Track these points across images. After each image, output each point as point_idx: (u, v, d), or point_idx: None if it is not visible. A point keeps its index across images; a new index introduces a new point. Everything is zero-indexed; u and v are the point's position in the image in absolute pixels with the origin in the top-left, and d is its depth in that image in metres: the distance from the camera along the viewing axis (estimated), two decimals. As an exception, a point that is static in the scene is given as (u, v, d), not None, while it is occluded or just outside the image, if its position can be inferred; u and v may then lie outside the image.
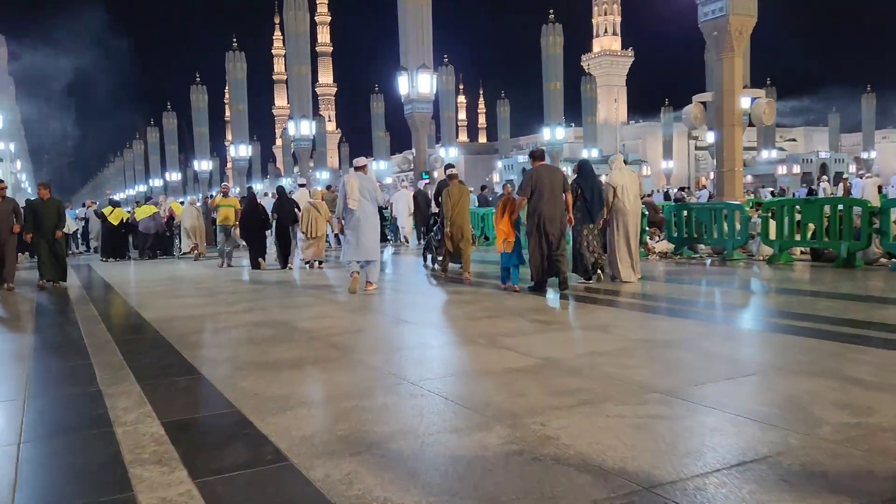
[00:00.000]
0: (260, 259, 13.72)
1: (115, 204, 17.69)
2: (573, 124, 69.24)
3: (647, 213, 14.07)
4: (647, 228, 14.04)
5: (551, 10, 47.86)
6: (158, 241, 18.15)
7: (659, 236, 14.80)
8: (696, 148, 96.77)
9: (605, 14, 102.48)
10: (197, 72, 57.53)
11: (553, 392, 4.12)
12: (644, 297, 8.28)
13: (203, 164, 57.41)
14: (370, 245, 8.81)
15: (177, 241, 18.87)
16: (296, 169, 40.74)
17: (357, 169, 9.14)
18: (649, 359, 4.98)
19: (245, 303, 8.68)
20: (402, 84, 28.43)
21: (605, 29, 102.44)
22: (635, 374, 4.49)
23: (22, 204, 11.94)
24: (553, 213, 7.99)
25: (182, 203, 20.76)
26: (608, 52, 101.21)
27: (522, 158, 57.69)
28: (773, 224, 12.03)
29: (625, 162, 9.72)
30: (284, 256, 13.65)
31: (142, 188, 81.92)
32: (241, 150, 48.11)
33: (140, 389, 4.51)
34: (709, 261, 12.56)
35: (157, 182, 76.00)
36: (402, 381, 4.52)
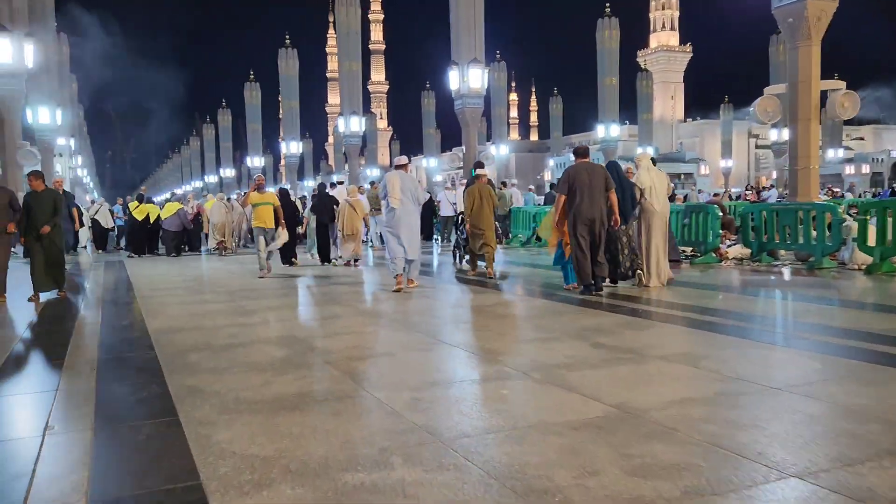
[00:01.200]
0: (293, 258, 13.42)
1: (141, 199, 16.88)
2: (627, 122, 67.03)
3: (719, 213, 12.60)
4: (720, 232, 12.57)
5: (607, 4, 46.10)
6: (186, 237, 17.69)
7: (731, 239, 13.30)
8: (757, 146, 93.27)
9: (663, 8, 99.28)
10: (251, 69, 57.67)
11: (639, 469, 2.90)
12: (726, 314, 6.91)
13: (255, 161, 57.58)
14: (412, 244, 8.66)
15: (203, 236, 18.65)
16: (346, 166, 40.05)
17: (398, 167, 9.03)
18: (766, 412, 3.67)
19: (265, 311, 7.67)
20: (453, 78, 27.29)
21: (663, 24, 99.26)
22: (753, 441, 3.22)
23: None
24: (592, 213, 7.64)
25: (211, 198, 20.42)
26: (665, 48, 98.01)
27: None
28: (872, 228, 10.44)
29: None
30: (324, 253, 13.47)
31: (198, 184, 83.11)
32: (292, 147, 47.86)
33: (91, 439, 3.47)
34: (789, 269, 11.00)
35: (212, 178, 76.83)
36: (430, 439, 3.35)
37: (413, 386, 4.35)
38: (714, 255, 12.29)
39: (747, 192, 29.65)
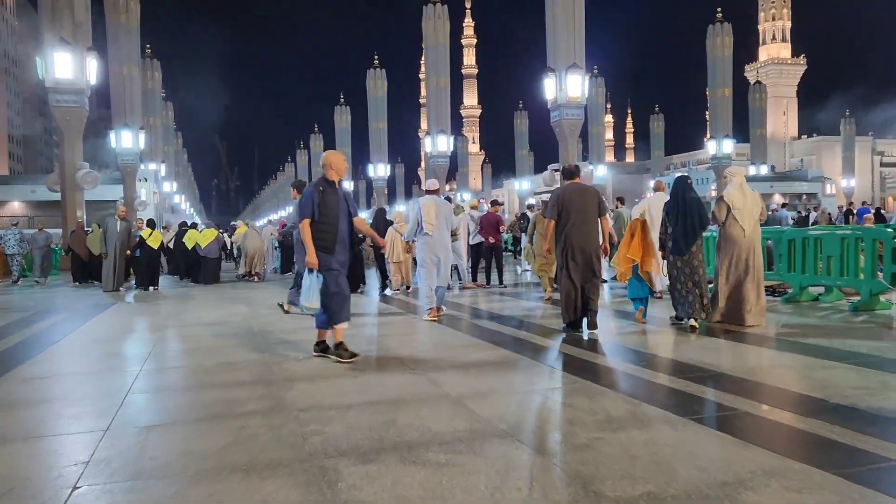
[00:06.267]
0: (361, 284, 12.39)
1: (152, 224, 14.58)
2: (735, 139, 62.32)
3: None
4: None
5: (719, 9, 42.48)
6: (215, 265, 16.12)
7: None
8: (882, 164, 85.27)
9: (774, 19, 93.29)
10: (342, 93, 57.30)
11: None
12: None
13: (344, 186, 56.95)
14: (445, 271, 8.41)
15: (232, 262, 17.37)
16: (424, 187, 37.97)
17: (429, 192, 8.67)
18: None
19: (264, 387, 5.36)
20: (549, 87, 24.77)
21: (773, 35, 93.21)
22: None
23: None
24: (582, 241, 6.79)
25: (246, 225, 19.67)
26: (777, 61, 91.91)
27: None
28: None
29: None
30: (383, 279, 12.54)
31: (291, 209, 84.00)
32: (379, 170, 46.54)
33: None
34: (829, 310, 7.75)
35: (305, 204, 77.25)
36: None
37: None
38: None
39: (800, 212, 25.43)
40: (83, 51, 21.51)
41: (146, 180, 37.37)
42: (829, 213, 24.44)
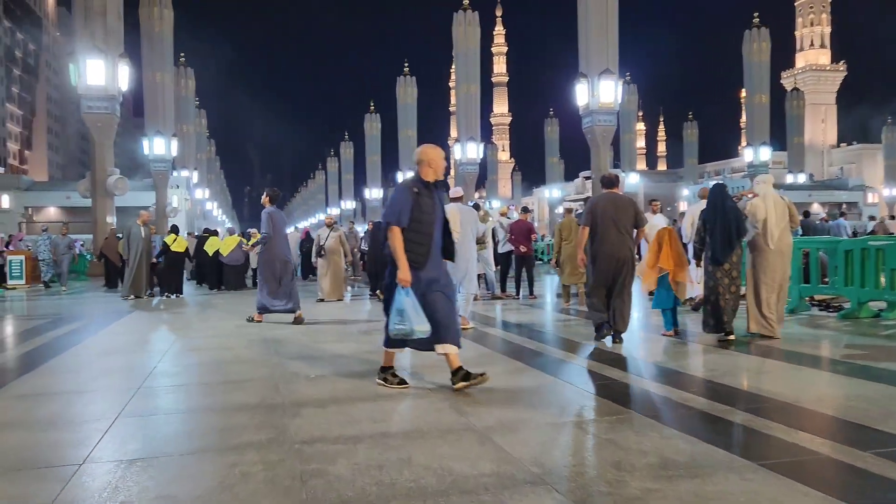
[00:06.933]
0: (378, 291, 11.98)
1: (176, 230, 14.22)
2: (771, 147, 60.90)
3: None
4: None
5: (756, 14, 41.40)
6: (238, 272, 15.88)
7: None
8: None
9: (812, 25, 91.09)
10: (371, 100, 57.21)
11: None
12: None
13: (374, 193, 56.73)
14: (469, 279, 8.22)
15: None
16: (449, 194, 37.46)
17: (454, 199, 8.53)
18: None
19: (266, 413, 4.87)
20: (581, 93, 24.15)
21: (812, 41, 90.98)
22: None
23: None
24: (618, 251, 6.59)
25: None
26: (815, 67, 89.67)
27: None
28: None
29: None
30: None
31: (322, 216, 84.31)
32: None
33: None
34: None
35: (334, 210, 77.48)
36: None
37: None
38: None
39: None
40: (115, 57, 21.49)
41: (178, 187, 37.50)
42: (884, 221, 23.27)
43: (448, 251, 4.77)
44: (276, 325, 8.59)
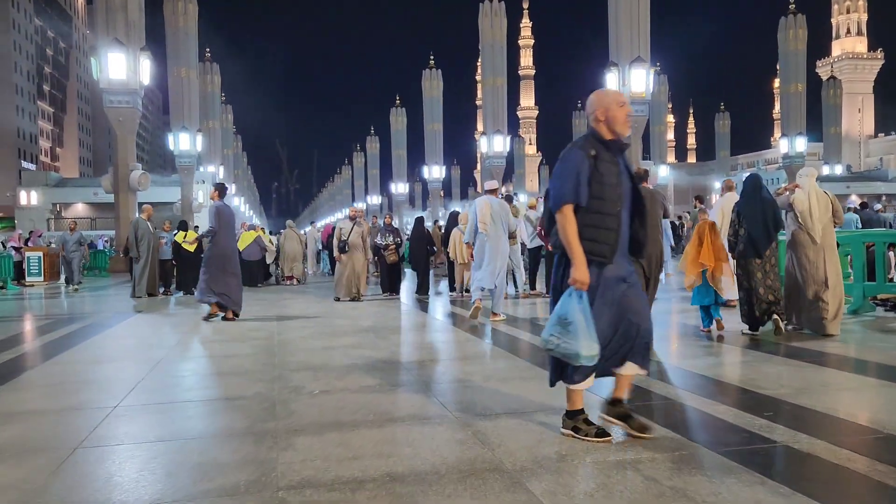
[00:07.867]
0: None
1: (184, 226, 13.82)
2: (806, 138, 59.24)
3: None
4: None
5: (792, 1, 39.86)
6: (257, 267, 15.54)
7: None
8: (970, 164, 79.67)
9: (849, 12, 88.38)
10: (398, 95, 56.52)
11: None
12: None
13: (399, 187, 56.11)
14: (499, 272, 8.16)
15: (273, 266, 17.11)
16: (480, 189, 36.74)
17: (488, 192, 8.48)
18: None
19: (254, 443, 4.19)
20: (611, 82, 23.19)
21: (848, 29, 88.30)
22: None
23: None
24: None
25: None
26: (851, 55, 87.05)
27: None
28: None
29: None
30: (451, 284, 12.42)
31: (348, 211, 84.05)
32: (434, 172, 45.45)
33: None
34: None
35: (360, 205, 77.08)
36: None
37: None
38: None
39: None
40: (136, 51, 21.08)
41: (204, 182, 37.25)
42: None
43: (638, 242, 3.42)
44: (287, 328, 7.95)
